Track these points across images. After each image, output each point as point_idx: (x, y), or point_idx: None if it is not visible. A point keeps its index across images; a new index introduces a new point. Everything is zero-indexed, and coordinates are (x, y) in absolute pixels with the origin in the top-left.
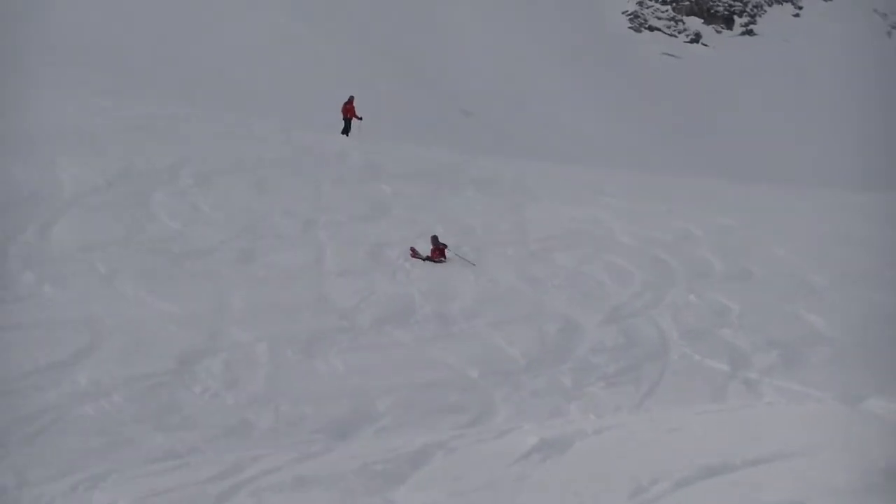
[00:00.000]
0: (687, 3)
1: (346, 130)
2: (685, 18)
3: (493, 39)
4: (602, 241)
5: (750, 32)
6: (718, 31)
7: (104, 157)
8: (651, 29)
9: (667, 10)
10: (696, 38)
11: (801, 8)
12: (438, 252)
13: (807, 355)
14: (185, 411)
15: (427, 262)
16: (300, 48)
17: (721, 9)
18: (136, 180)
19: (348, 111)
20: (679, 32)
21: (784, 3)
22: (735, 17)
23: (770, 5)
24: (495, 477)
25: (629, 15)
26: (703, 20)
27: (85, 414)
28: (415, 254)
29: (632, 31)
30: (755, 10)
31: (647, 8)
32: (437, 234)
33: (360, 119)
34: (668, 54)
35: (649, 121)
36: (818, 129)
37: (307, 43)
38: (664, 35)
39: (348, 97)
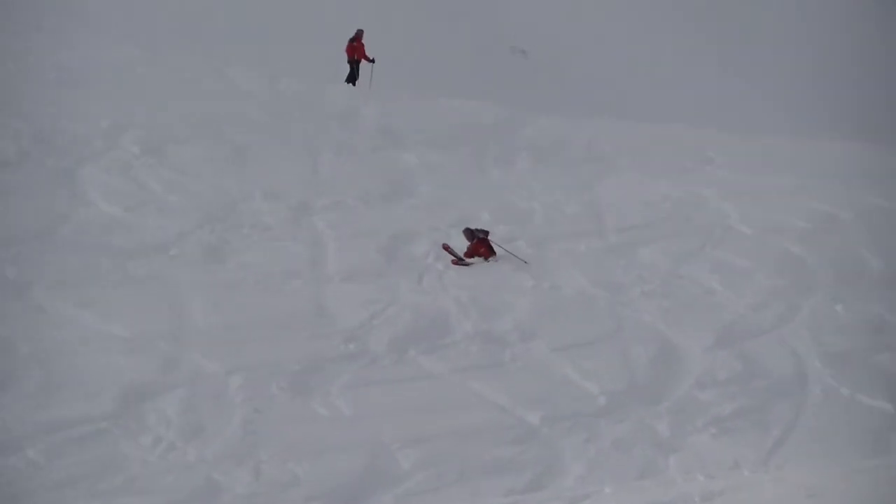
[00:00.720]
0: None
1: (352, 78)
2: None
3: None
4: (709, 230)
5: None
6: None
7: (16, 118)
8: None
9: None
10: None
11: None
12: (482, 246)
13: None
14: (129, 470)
15: (471, 262)
16: None
17: None
18: (60, 150)
19: (355, 52)
20: None
21: None
22: None
23: None
24: None
25: None
26: None
27: None
28: (455, 258)
29: None
30: None
31: None
32: (469, 227)
33: (373, 62)
34: None
35: (768, 65)
36: None
37: None
38: None
39: (355, 32)
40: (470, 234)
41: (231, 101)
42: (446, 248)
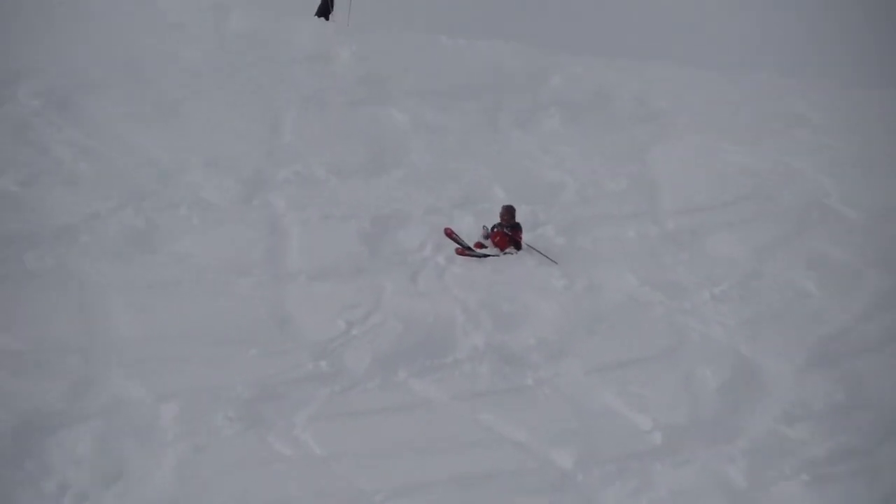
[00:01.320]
0: None
1: (324, 11)
2: None
3: None
4: (802, 214)
5: None
6: None
7: None
8: None
9: None
10: None
11: None
12: (503, 237)
13: None
14: None
15: (483, 252)
16: None
17: None
18: None
19: None
20: None
21: None
22: None
23: None
24: None
25: None
26: None
27: None
28: (461, 247)
29: None
30: None
31: None
32: (513, 207)
33: None
34: None
35: None
36: None
37: None
38: None
39: None
40: (510, 213)
41: (161, 38)
42: (449, 233)
